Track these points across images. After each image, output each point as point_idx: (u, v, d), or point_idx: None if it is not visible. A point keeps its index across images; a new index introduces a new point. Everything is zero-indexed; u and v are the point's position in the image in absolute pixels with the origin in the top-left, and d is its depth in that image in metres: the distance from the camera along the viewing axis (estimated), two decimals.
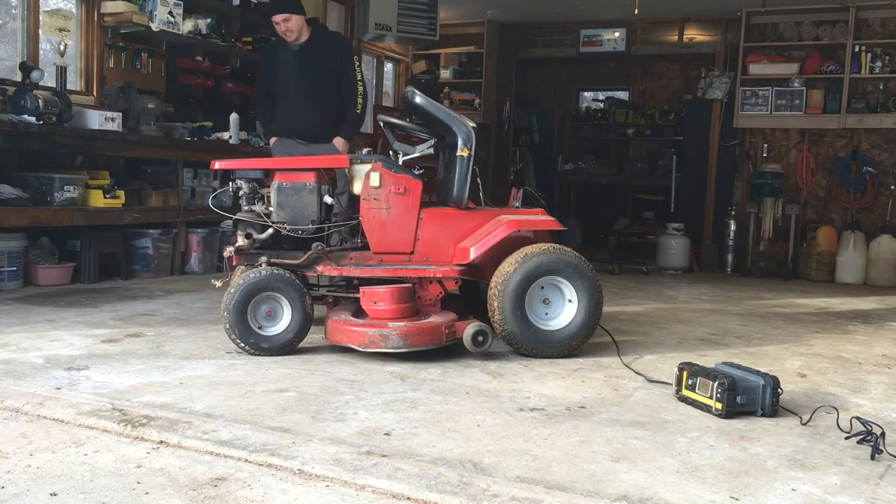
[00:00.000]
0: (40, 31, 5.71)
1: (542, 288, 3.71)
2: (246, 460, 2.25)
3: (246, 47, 7.24)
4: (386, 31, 8.49)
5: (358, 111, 4.86)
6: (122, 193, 5.69)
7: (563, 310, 3.73)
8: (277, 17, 4.77)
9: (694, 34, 9.61)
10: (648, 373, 3.48)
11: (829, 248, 8.15)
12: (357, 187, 3.83)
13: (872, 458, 2.46)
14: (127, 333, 3.92)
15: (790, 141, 8.76)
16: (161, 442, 2.38)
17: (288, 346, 3.59)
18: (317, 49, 4.83)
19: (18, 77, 5.40)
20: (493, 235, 3.73)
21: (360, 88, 4.87)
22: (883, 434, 2.54)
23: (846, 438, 2.63)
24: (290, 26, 4.77)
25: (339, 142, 4.85)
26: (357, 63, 4.90)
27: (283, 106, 4.90)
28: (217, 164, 3.86)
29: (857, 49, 8.17)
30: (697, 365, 3.07)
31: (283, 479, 2.14)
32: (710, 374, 2.92)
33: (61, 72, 5.57)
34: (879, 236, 7.96)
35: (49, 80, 5.63)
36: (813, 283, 7.89)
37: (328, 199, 3.79)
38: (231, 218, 3.86)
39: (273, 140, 5.02)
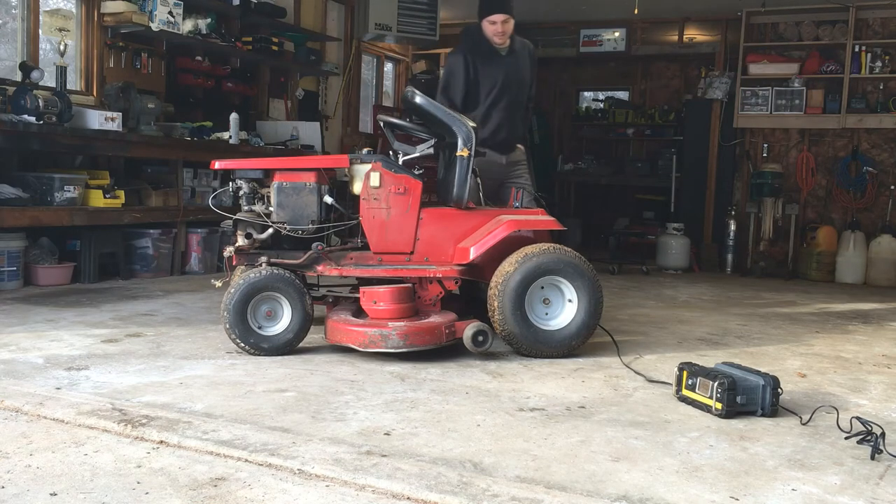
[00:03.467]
0: (40, 31, 5.71)
1: (542, 288, 3.71)
2: (246, 460, 2.25)
3: (246, 47, 7.24)
4: (386, 31, 8.49)
5: (532, 116, 4.81)
6: (122, 193, 5.69)
7: (563, 310, 3.73)
8: (496, 18, 4.42)
9: (694, 34, 9.61)
10: (648, 373, 3.48)
11: (829, 248, 8.15)
12: (357, 187, 3.83)
13: (872, 458, 2.46)
14: (127, 333, 3.92)
15: (790, 141, 8.76)
16: (161, 442, 2.38)
17: (288, 346, 3.58)
18: (520, 54, 4.55)
19: (18, 77, 5.40)
20: (493, 235, 3.73)
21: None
22: (883, 434, 2.54)
23: (846, 438, 2.63)
24: (507, 28, 4.43)
25: (522, 149, 4.62)
26: None
27: (488, 116, 4.38)
28: (217, 164, 3.86)
29: (857, 49, 8.18)
30: (697, 365, 3.07)
31: (283, 479, 2.14)
32: (710, 374, 2.92)
33: (61, 72, 5.57)
34: (879, 236, 7.97)
35: (49, 80, 5.63)
36: (813, 283, 7.89)
37: (328, 199, 3.79)
38: (231, 218, 3.86)
39: None
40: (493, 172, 4.34)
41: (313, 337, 3.78)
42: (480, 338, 3.56)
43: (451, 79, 4.43)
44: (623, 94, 11.55)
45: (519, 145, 4.58)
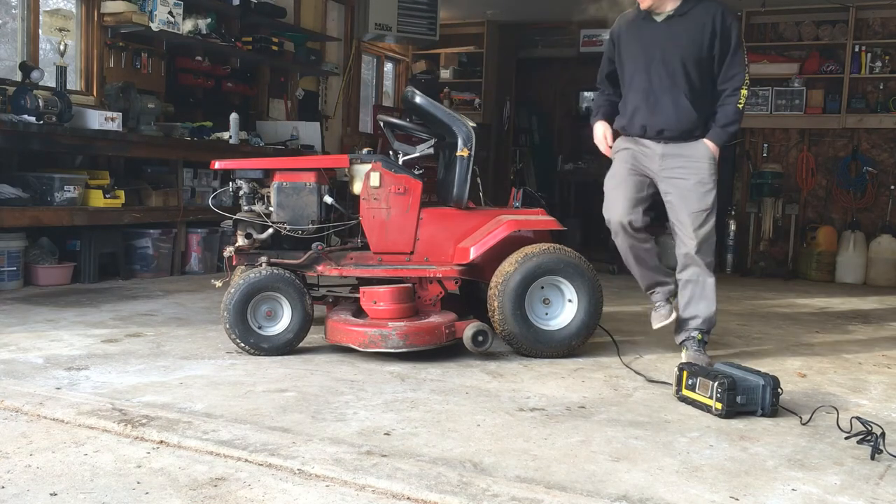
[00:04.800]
0: (40, 31, 5.71)
1: (542, 288, 3.71)
2: (246, 460, 2.25)
3: (246, 47, 7.23)
4: (386, 31, 8.49)
5: (739, 104, 3.59)
6: (122, 193, 5.69)
7: (563, 310, 3.73)
8: None
9: None
10: (648, 373, 3.48)
11: (829, 248, 8.15)
12: (357, 187, 3.83)
13: (872, 458, 2.46)
14: (127, 333, 3.92)
15: (790, 141, 8.76)
16: (161, 442, 2.38)
17: (288, 346, 3.58)
18: (692, 17, 3.62)
19: (18, 77, 5.40)
20: (493, 235, 3.73)
21: (747, 78, 3.63)
22: (883, 434, 2.54)
23: (846, 438, 2.63)
24: None
25: (710, 146, 3.63)
26: (743, 43, 3.70)
27: (633, 96, 3.71)
28: (217, 164, 3.86)
29: (857, 49, 8.17)
30: (697, 365, 3.07)
31: (283, 479, 2.14)
32: (710, 374, 2.92)
33: (61, 72, 5.57)
34: (879, 236, 7.96)
35: (49, 80, 5.63)
36: (813, 283, 7.89)
37: (328, 199, 3.79)
38: (231, 218, 3.87)
39: (605, 134, 3.90)
40: (643, 164, 3.73)
41: (313, 337, 3.78)
42: (480, 338, 3.56)
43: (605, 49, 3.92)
44: None
45: (704, 138, 3.62)
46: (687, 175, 3.62)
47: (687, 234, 3.63)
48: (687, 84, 3.58)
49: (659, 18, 3.65)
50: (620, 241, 3.78)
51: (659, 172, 3.68)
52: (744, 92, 3.59)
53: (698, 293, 3.66)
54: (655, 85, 3.62)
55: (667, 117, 3.61)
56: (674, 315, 3.76)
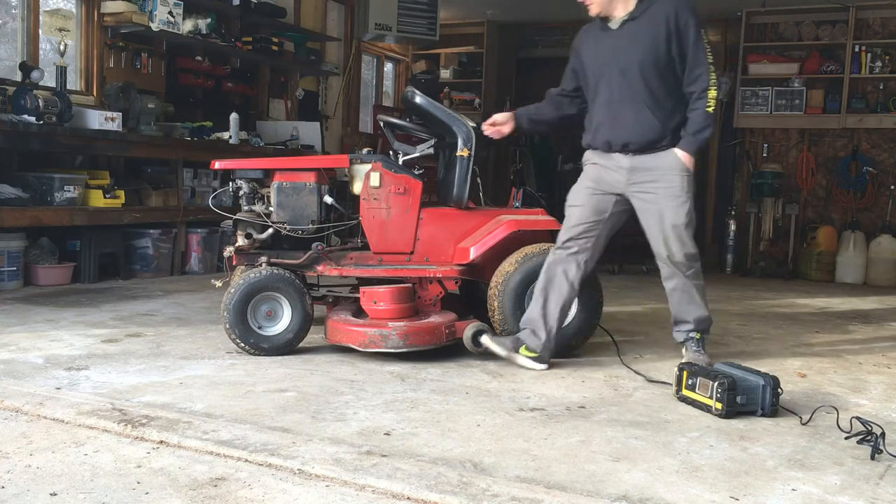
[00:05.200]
0: (40, 31, 5.71)
1: None
2: (246, 460, 2.25)
3: (246, 47, 7.24)
4: (386, 31, 8.49)
5: (708, 108, 3.35)
6: (122, 193, 5.69)
7: None
8: None
9: None
10: (648, 373, 3.48)
11: (829, 248, 8.15)
12: (357, 187, 3.83)
13: (872, 458, 2.46)
14: (127, 333, 3.92)
15: (790, 141, 8.76)
16: (161, 442, 2.38)
17: (288, 346, 3.58)
18: (646, 21, 3.36)
19: (18, 77, 5.40)
20: (493, 235, 3.73)
21: (712, 77, 3.33)
22: (883, 434, 2.54)
23: (846, 438, 2.63)
24: None
25: (681, 155, 3.39)
26: (705, 38, 3.36)
27: (597, 110, 3.50)
28: (217, 164, 3.86)
29: (857, 49, 8.18)
30: (697, 365, 3.07)
31: (283, 479, 2.13)
32: (710, 374, 2.92)
33: (61, 72, 5.57)
34: (879, 236, 7.97)
35: (49, 80, 5.63)
36: (813, 283, 7.89)
37: (328, 199, 3.79)
38: (231, 218, 3.87)
39: (496, 118, 3.74)
40: (609, 180, 3.50)
41: (313, 337, 3.78)
42: (480, 338, 3.56)
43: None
44: None
45: (675, 147, 3.39)
46: (657, 189, 3.39)
47: (663, 250, 3.45)
48: (647, 93, 3.35)
49: (614, 26, 3.42)
50: (548, 258, 3.55)
51: (627, 187, 3.44)
52: (711, 93, 3.31)
53: (686, 300, 3.52)
54: (616, 97, 3.40)
55: (629, 130, 3.38)
56: (501, 351, 3.46)
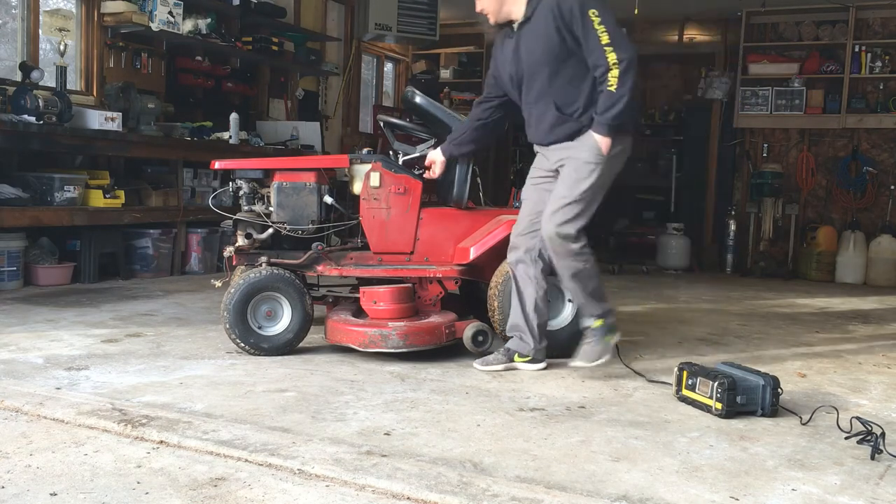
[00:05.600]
0: (40, 31, 5.71)
1: None
2: (246, 460, 2.25)
3: (246, 47, 7.24)
4: (386, 31, 8.49)
5: (610, 87, 3.20)
6: (122, 193, 5.69)
7: (564, 310, 3.73)
8: None
9: (694, 34, 9.61)
10: (648, 373, 3.48)
11: (829, 248, 8.15)
12: (357, 187, 3.83)
13: (872, 458, 2.46)
14: (127, 333, 3.92)
15: (790, 141, 8.76)
16: (161, 442, 2.38)
17: (288, 346, 3.58)
18: (536, 19, 3.33)
19: (18, 77, 5.40)
20: (493, 235, 3.73)
21: (610, 57, 3.19)
22: (883, 434, 2.54)
23: (846, 438, 2.63)
24: (482, 6, 3.43)
25: (596, 138, 3.28)
26: (597, 17, 3.21)
27: (523, 113, 3.53)
28: (217, 164, 3.86)
29: (857, 49, 8.18)
30: (697, 365, 3.07)
31: (283, 479, 2.13)
32: (710, 374, 2.92)
33: (61, 72, 5.57)
34: (879, 236, 7.97)
35: (49, 80, 5.63)
36: (813, 283, 7.89)
37: (328, 199, 3.79)
38: (231, 218, 3.87)
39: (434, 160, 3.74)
40: (545, 166, 3.51)
41: (313, 337, 3.78)
42: (480, 338, 3.57)
43: None
44: None
45: (588, 134, 3.30)
46: (567, 165, 3.35)
47: (545, 218, 3.33)
48: (555, 90, 3.33)
49: (515, 31, 3.41)
50: (508, 261, 3.55)
51: (554, 165, 3.44)
52: (612, 73, 3.17)
53: (570, 286, 3.41)
54: (530, 98, 3.42)
55: (544, 129, 3.40)
56: (498, 367, 3.44)
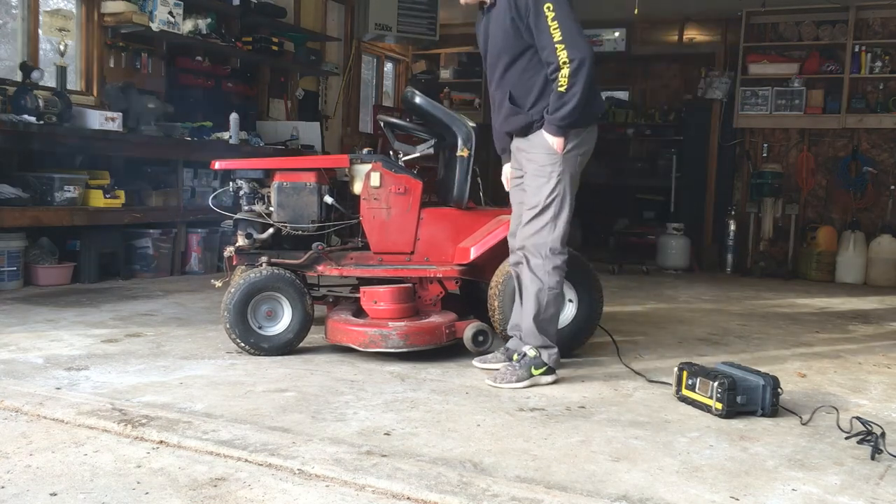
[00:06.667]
0: (40, 31, 5.71)
1: None
2: (246, 460, 2.25)
3: (246, 47, 7.24)
4: (386, 31, 8.49)
5: (560, 87, 3.10)
6: (122, 193, 5.69)
7: (564, 310, 3.72)
8: None
9: (694, 34, 9.61)
10: (648, 373, 3.48)
11: (829, 248, 8.15)
12: (357, 187, 3.83)
13: (872, 458, 2.46)
14: (127, 333, 3.92)
15: (790, 141, 8.76)
16: (161, 442, 2.38)
17: (288, 346, 3.58)
18: (498, 9, 3.25)
19: (18, 77, 5.40)
20: (494, 235, 3.73)
21: (561, 55, 3.07)
22: (883, 434, 2.54)
23: (846, 438, 2.63)
24: None
25: (548, 140, 3.20)
26: (552, 13, 3.08)
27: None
28: (217, 164, 3.86)
29: (857, 49, 8.18)
30: (697, 365, 3.07)
31: (283, 479, 2.14)
32: (710, 374, 2.92)
33: (61, 72, 5.57)
34: (879, 236, 7.96)
35: (49, 80, 5.63)
36: (813, 283, 7.89)
37: (328, 199, 3.79)
38: (231, 218, 3.87)
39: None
40: (517, 160, 3.46)
41: (313, 337, 3.78)
42: (480, 338, 3.57)
43: None
44: (623, 95, 11.55)
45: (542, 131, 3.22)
46: (527, 168, 3.30)
47: (520, 230, 3.31)
48: (508, 80, 3.26)
49: (486, 12, 3.34)
50: (510, 259, 3.47)
51: (522, 168, 3.39)
52: (563, 72, 3.06)
53: (523, 298, 3.31)
54: (493, 85, 3.38)
55: (501, 118, 3.36)
56: (497, 367, 3.36)
